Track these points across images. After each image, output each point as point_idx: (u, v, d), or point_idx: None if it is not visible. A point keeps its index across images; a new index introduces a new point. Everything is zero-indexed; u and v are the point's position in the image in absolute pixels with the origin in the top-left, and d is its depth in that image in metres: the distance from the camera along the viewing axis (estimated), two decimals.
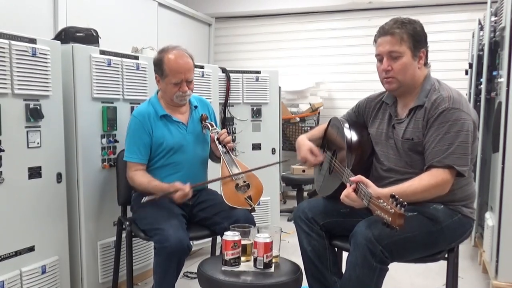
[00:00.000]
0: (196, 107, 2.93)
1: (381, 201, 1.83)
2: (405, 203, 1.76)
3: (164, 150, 2.77)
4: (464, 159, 2.11)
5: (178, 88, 2.74)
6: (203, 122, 2.88)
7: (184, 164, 2.81)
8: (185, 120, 2.86)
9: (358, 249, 2.09)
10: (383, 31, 2.25)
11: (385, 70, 2.24)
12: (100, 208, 3.06)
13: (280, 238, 2.36)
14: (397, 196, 1.79)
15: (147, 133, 2.75)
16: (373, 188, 1.99)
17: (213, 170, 2.98)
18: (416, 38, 2.21)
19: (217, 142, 2.82)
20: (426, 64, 2.29)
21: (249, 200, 2.74)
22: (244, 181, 2.77)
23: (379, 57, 2.28)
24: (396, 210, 1.75)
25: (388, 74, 2.25)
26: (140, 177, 2.73)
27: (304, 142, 2.59)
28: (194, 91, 2.87)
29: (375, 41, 2.30)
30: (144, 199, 2.63)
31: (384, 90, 2.44)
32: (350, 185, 2.05)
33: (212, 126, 2.87)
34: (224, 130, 2.94)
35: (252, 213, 2.75)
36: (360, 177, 2.03)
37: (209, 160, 3.02)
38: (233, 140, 4.26)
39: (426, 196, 2.11)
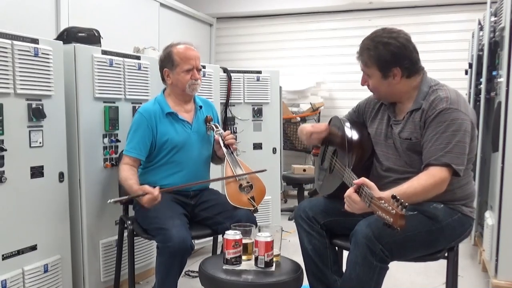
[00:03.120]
0: (201, 107, 2.95)
1: (382, 201, 1.84)
2: (406, 204, 1.77)
3: (168, 148, 2.79)
4: (461, 158, 2.12)
5: (190, 75, 2.77)
6: (208, 124, 2.90)
7: (187, 163, 2.82)
8: (190, 119, 2.88)
9: (358, 248, 2.11)
10: (357, 53, 2.33)
11: (363, 85, 2.37)
12: (102, 207, 3.07)
13: (281, 237, 2.37)
14: (398, 197, 1.81)
15: (150, 131, 2.76)
16: (376, 192, 1.99)
17: (214, 171, 2.99)
18: (381, 62, 2.22)
19: (221, 143, 2.84)
20: (413, 75, 2.26)
21: (252, 201, 2.75)
22: (248, 182, 2.78)
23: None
24: (398, 210, 1.75)
25: (369, 88, 2.36)
26: (123, 171, 2.73)
27: (304, 125, 2.68)
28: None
29: None
30: (110, 201, 2.59)
31: None
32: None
33: (216, 127, 2.89)
34: (229, 131, 2.95)
35: (255, 214, 2.76)
36: (363, 180, 2.02)
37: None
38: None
39: (426, 196, 2.11)
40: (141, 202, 2.58)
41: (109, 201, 2.57)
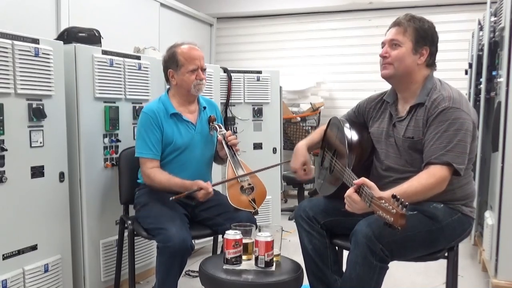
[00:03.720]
0: (205, 108, 2.94)
1: (383, 201, 1.84)
2: (407, 203, 1.77)
3: (172, 148, 2.78)
4: (462, 157, 2.12)
5: (195, 76, 2.77)
6: (211, 124, 2.90)
7: (190, 164, 2.82)
8: (194, 120, 2.87)
9: (358, 248, 2.11)
10: (393, 23, 2.34)
11: (382, 56, 2.31)
12: (103, 207, 3.07)
13: (281, 237, 2.38)
14: (398, 196, 1.81)
15: (158, 129, 2.75)
16: (376, 191, 2.00)
17: (215, 172, 2.99)
18: (421, 34, 2.26)
19: (224, 144, 2.84)
20: (430, 65, 2.31)
21: (253, 203, 2.75)
22: (249, 184, 2.79)
23: (382, 45, 2.34)
24: (398, 210, 1.76)
25: (385, 61, 2.30)
26: (159, 175, 2.74)
27: (301, 152, 2.60)
28: None
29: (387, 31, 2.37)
30: (172, 198, 2.64)
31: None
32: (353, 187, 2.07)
33: (220, 127, 2.89)
34: (230, 132, 2.94)
35: (255, 216, 2.76)
36: (363, 180, 2.03)
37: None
38: None
39: (426, 195, 2.11)
40: (196, 197, 2.69)
41: (170, 198, 2.64)
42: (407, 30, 2.26)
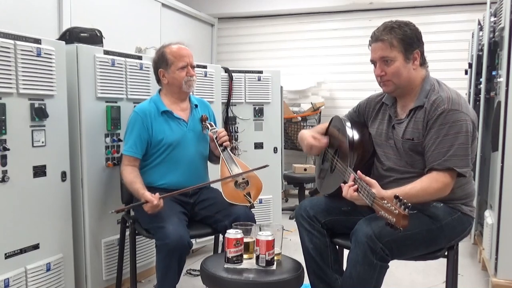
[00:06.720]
0: (196, 106, 2.98)
1: (385, 202, 1.85)
2: (409, 204, 1.78)
3: (164, 146, 2.81)
4: (465, 160, 2.13)
5: (186, 72, 2.82)
6: (203, 123, 2.93)
7: (184, 161, 2.84)
8: (186, 117, 2.91)
9: (358, 247, 2.12)
10: (374, 38, 2.28)
11: (379, 75, 2.29)
12: (104, 207, 3.08)
13: (282, 236, 2.38)
14: (401, 197, 1.81)
15: (146, 129, 2.78)
16: (377, 189, 2.01)
17: (213, 169, 3.00)
18: (407, 42, 2.22)
19: (216, 141, 2.87)
20: (423, 64, 2.30)
21: (248, 197, 2.77)
22: (243, 178, 2.80)
23: (372, 63, 2.32)
24: (401, 211, 1.76)
25: (383, 79, 2.28)
26: (127, 174, 2.76)
27: (305, 132, 2.66)
28: (196, 92, 2.93)
29: (370, 45, 2.33)
30: (112, 211, 2.69)
31: None
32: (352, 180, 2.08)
33: (211, 126, 2.92)
34: (222, 129, 2.97)
35: (252, 210, 2.78)
36: (364, 177, 2.04)
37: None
38: (236, 139, 4.29)
39: (427, 198, 2.13)
40: (143, 209, 2.61)
41: (110, 211, 2.66)
42: (393, 43, 2.21)
